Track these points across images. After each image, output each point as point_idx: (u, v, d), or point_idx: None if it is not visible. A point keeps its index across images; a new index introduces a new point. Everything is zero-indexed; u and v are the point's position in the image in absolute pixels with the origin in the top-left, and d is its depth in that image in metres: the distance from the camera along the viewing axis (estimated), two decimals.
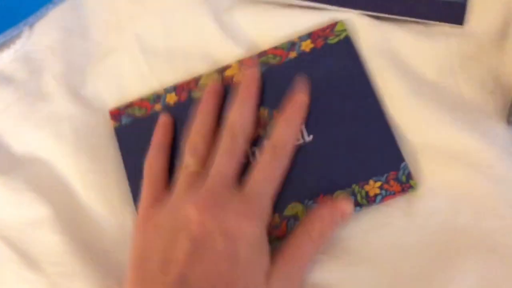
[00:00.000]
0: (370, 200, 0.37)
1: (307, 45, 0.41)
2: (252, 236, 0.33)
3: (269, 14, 0.42)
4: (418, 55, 0.40)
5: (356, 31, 0.41)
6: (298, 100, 0.39)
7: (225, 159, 0.36)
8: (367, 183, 0.37)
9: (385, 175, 0.37)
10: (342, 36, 0.40)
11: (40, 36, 0.46)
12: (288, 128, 0.38)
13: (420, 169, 0.38)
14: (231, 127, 0.38)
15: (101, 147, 0.42)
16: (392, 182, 0.37)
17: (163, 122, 0.41)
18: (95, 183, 0.41)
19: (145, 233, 0.36)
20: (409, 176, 0.37)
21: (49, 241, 0.39)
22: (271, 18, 0.42)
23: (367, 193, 0.37)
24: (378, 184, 0.37)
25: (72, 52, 0.45)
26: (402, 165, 0.37)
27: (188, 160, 0.38)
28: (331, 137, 0.38)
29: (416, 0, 0.41)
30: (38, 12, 0.46)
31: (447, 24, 0.40)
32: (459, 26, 0.40)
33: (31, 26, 0.46)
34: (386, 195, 0.37)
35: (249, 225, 0.34)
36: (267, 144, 0.37)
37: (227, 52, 0.43)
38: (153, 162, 0.39)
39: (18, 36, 0.46)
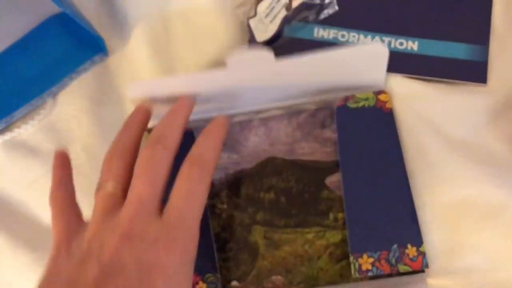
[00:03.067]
0: (362, 274, 0.37)
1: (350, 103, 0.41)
2: (171, 268, 0.30)
3: None
4: (446, 113, 0.42)
5: (388, 89, 0.42)
6: (220, 119, 0.37)
7: (143, 179, 0.32)
8: (361, 256, 0.38)
9: (378, 253, 0.37)
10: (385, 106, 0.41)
11: (64, 106, 0.45)
12: (206, 140, 0.35)
13: (458, 226, 0.39)
14: (151, 138, 0.34)
15: None
16: (383, 262, 0.37)
17: (58, 155, 0.37)
18: None
19: (56, 258, 0.32)
20: (398, 260, 0.37)
21: None
22: None
23: (360, 266, 0.37)
24: (371, 260, 0.37)
25: (98, 121, 0.44)
26: (394, 247, 0.37)
27: (102, 181, 0.34)
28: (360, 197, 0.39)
29: (440, 60, 0.42)
30: (61, 81, 0.45)
31: (471, 82, 0.42)
32: (483, 84, 0.42)
33: (54, 96, 0.46)
34: (377, 273, 0.37)
35: (167, 257, 0.31)
36: (184, 161, 0.34)
37: None
38: (58, 193, 0.35)
39: (42, 106, 0.45)
